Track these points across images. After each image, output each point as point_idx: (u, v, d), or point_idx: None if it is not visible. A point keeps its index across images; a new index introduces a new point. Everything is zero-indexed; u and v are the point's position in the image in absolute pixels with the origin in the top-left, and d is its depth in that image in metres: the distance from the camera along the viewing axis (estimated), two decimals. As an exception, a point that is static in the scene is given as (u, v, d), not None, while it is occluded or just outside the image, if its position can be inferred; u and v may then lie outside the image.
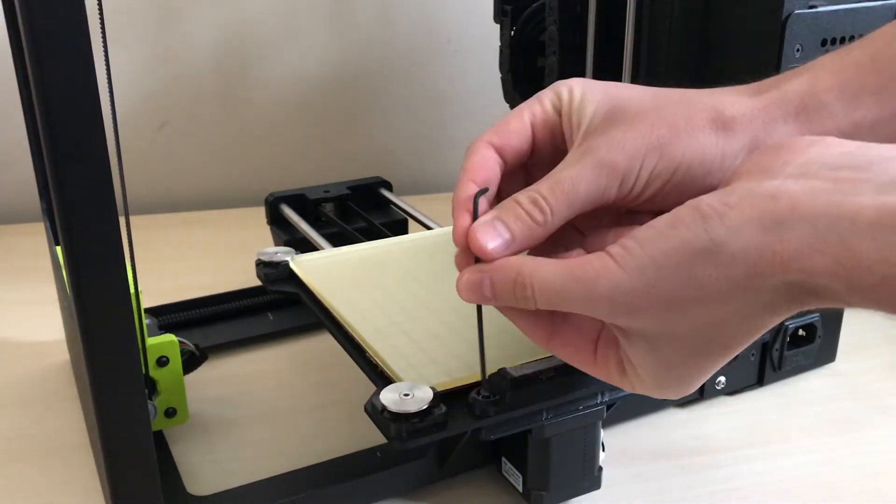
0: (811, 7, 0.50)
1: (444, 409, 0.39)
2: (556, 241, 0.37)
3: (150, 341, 0.48)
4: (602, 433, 0.47)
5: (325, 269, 0.55)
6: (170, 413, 0.51)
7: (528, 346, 0.43)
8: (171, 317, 0.65)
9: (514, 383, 0.41)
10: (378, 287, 0.52)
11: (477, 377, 0.42)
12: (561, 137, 0.38)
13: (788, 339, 0.59)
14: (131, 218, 0.43)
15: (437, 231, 0.63)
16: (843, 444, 0.55)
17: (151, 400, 0.49)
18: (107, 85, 0.38)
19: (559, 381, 0.42)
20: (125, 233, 0.40)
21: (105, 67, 0.38)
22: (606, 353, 0.35)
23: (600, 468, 0.48)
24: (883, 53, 0.35)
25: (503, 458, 0.49)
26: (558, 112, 0.38)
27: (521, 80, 0.71)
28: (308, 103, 1.00)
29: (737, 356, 0.33)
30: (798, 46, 0.50)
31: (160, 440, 0.53)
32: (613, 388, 0.36)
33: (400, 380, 0.42)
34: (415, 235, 0.62)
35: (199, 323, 0.66)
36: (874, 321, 0.68)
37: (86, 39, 0.32)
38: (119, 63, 0.91)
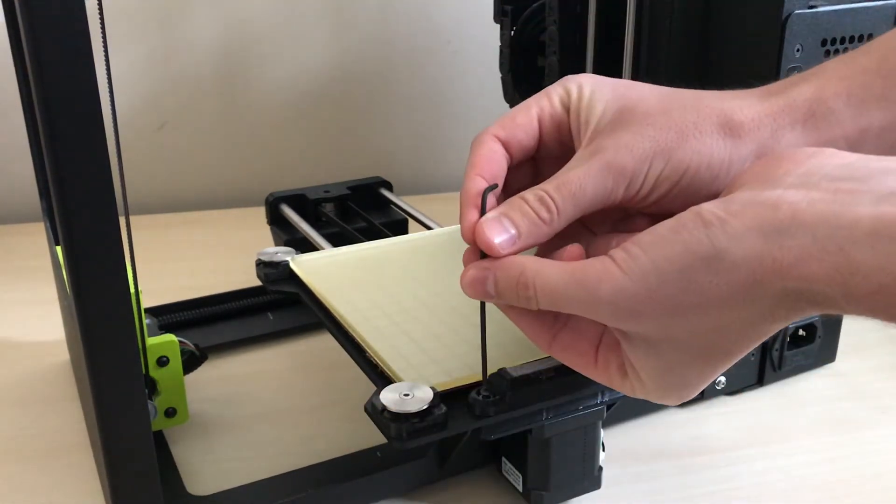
0: (811, 7, 0.50)
1: (444, 409, 0.39)
2: (564, 237, 0.37)
3: (150, 341, 0.48)
4: (602, 433, 0.47)
5: (325, 269, 0.55)
6: (170, 413, 0.51)
7: (528, 346, 0.43)
8: (171, 317, 0.65)
9: (514, 383, 0.41)
10: (378, 287, 0.52)
11: (477, 377, 0.42)
12: (568, 133, 0.38)
13: (788, 339, 0.59)
14: (131, 218, 0.43)
15: (437, 231, 0.63)
16: (843, 444, 0.55)
17: (151, 400, 0.49)
18: (107, 85, 0.38)
19: (559, 381, 0.42)
20: (125, 233, 0.40)
21: (105, 67, 0.38)
22: (608, 358, 0.35)
23: (600, 468, 0.48)
24: (890, 59, 0.35)
25: (503, 458, 0.49)
26: (566, 108, 0.38)
27: (521, 80, 0.71)
28: (308, 103, 1.00)
29: (736, 358, 0.33)
30: (798, 46, 0.50)
31: (160, 440, 0.53)
32: (613, 388, 0.36)
33: (400, 380, 0.42)
34: (415, 235, 0.62)
35: (199, 323, 0.66)
36: (874, 322, 0.68)
37: (86, 39, 0.32)
38: (119, 63, 0.91)
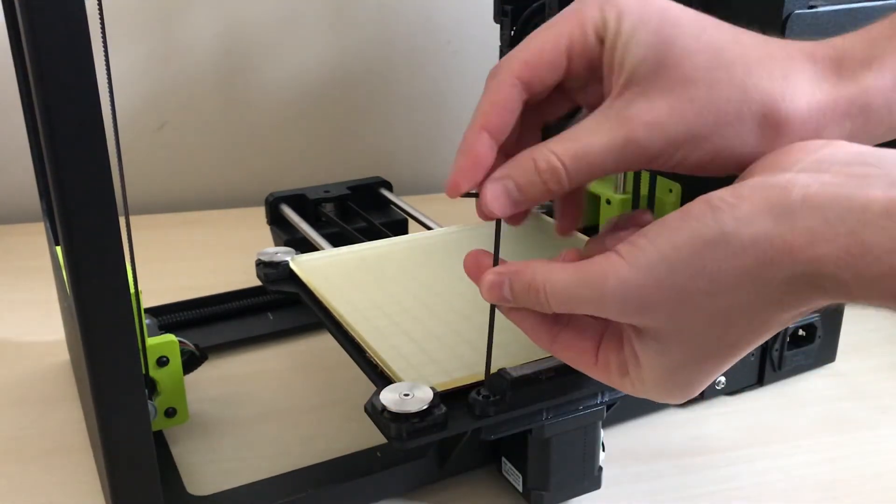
0: (811, 7, 0.50)
1: (444, 409, 0.39)
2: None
3: (150, 341, 0.48)
4: (602, 433, 0.47)
5: (325, 269, 0.55)
6: (170, 413, 0.51)
7: (528, 347, 0.43)
8: (171, 317, 0.65)
9: (514, 383, 0.41)
10: (378, 287, 0.52)
11: (476, 377, 0.42)
12: (599, 64, 0.35)
13: (788, 339, 0.59)
14: (131, 218, 0.43)
15: (437, 231, 0.63)
16: (843, 444, 0.55)
17: (151, 400, 0.49)
18: (107, 85, 0.38)
19: (559, 381, 0.42)
20: (125, 233, 0.40)
21: (105, 67, 0.38)
22: (608, 356, 0.35)
23: (600, 468, 0.48)
24: None
25: (503, 458, 0.49)
26: (601, 40, 0.34)
27: (521, 80, 0.71)
28: (308, 103, 1.00)
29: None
30: (798, 46, 0.50)
31: (160, 440, 0.53)
32: (613, 389, 0.36)
33: (400, 380, 0.42)
34: (415, 235, 0.62)
35: (199, 323, 0.66)
36: (874, 321, 0.68)
37: (86, 39, 0.32)
38: (119, 63, 0.91)
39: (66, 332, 0.61)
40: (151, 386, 0.49)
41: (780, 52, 0.34)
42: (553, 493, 0.47)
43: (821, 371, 0.62)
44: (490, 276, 0.35)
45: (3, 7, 0.54)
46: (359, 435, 0.52)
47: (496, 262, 0.36)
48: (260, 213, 0.72)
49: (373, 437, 0.48)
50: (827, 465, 0.53)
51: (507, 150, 0.36)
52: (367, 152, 1.04)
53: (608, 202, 0.61)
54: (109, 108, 0.37)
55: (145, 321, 0.50)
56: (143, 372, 0.48)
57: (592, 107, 0.37)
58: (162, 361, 0.49)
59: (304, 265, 0.55)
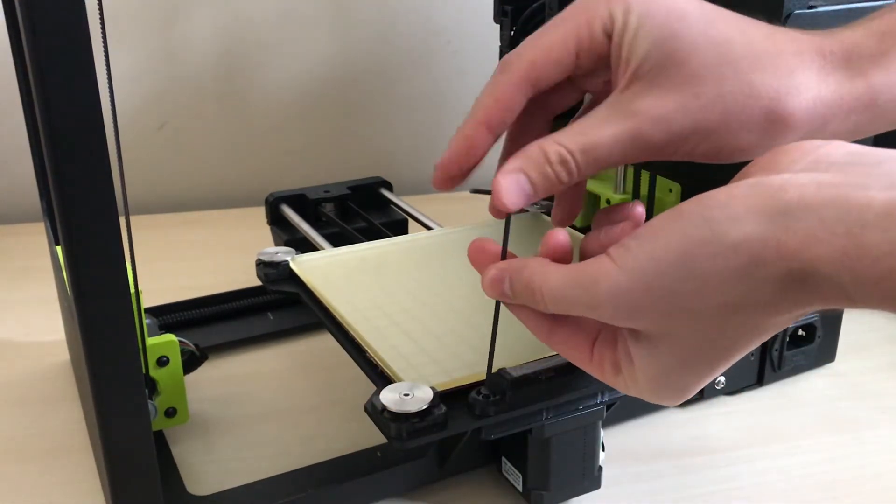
0: (811, 7, 0.50)
1: (444, 409, 0.39)
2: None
3: (150, 341, 0.48)
4: (602, 433, 0.47)
5: (325, 269, 0.55)
6: (170, 413, 0.51)
7: (528, 347, 0.43)
8: (171, 317, 0.65)
9: (514, 383, 0.41)
10: (378, 287, 0.52)
11: (476, 377, 0.42)
12: (607, 59, 0.35)
13: (788, 339, 0.59)
14: (131, 218, 0.43)
15: (437, 231, 0.63)
16: (843, 444, 0.55)
17: (151, 400, 0.49)
18: (107, 85, 0.38)
19: (559, 381, 0.42)
20: (125, 233, 0.40)
21: (105, 67, 0.38)
22: (602, 353, 0.35)
23: (600, 468, 0.48)
24: None
25: (503, 458, 0.49)
26: (608, 36, 0.34)
27: (521, 80, 0.71)
28: (308, 103, 1.00)
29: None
30: (798, 46, 0.50)
31: (160, 440, 0.53)
32: (613, 389, 0.36)
33: (400, 380, 0.42)
34: (415, 235, 0.62)
35: (199, 323, 0.66)
36: (874, 321, 0.69)
37: (86, 39, 0.32)
38: (119, 63, 0.91)
39: (66, 332, 0.61)
40: (151, 386, 0.49)
41: (788, 46, 0.34)
42: (553, 492, 0.47)
43: (820, 371, 0.62)
44: (493, 271, 0.35)
45: (3, 7, 0.54)
46: (359, 435, 0.52)
47: (504, 255, 0.36)
48: (260, 213, 0.72)
49: (373, 437, 0.48)
50: (827, 465, 0.53)
51: (515, 140, 0.37)
52: (367, 152, 1.04)
53: (608, 202, 0.61)
54: (109, 108, 0.37)
55: (145, 321, 0.50)
56: (143, 372, 0.48)
57: (599, 93, 0.37)
58: (162, 361, 0.49)
59: (304, 265, 0.55)
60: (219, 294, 0.68)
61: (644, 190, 0.58)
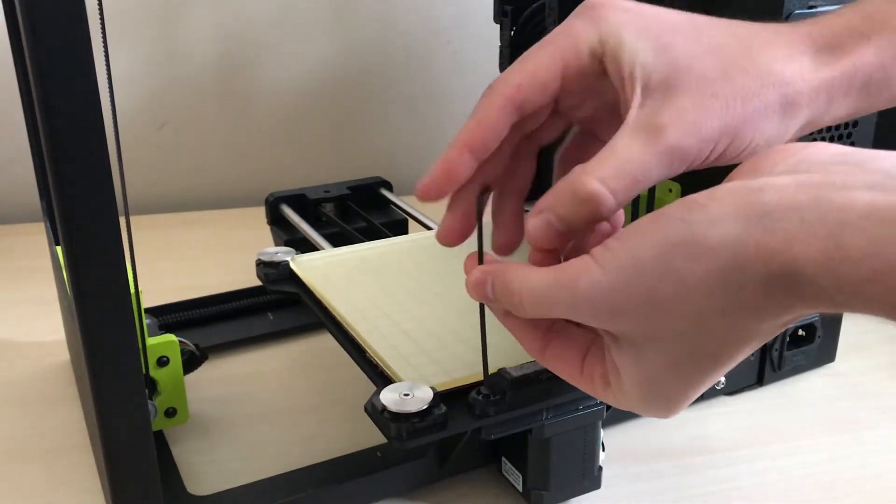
0: (811, 7, 0.50)
1: (444, 409, 0.39)
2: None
3: (150, 341, 0.48)
4: (602, 433, 0.47)
5: (325, 269, 0.55)
6: (170, 413, 0.51)
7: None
8: (171, 317, 0.65)
9: (514, 383, 0.41)
10: (378, 287, 0.52)
11: (477, 377, 0.42)
12: (597, 83, 0.34)
13: (788, 339, 0.59)
14: (131, 218, 0.43)
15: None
16: (843, 444, 0.55)
17: (151, 400, 0.49)
18: (107, 85, 0.38)
19: (559, 381, 0.41)
20: (125, 233, 0.40)
21: (105, 67, 0.38)
22: (592, 367, 0.34)
23: (600, 468, 0.48)
24: None
25: (503, 458, 0.49)
26: (598, 59, 0.34)
27: (521, 80, 0.71)
28: (308, 103, 1.00)
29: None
30: (798, 46, 0.50)
31: (160, 440, 0.53)
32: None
33: (400, 380, 0.42)
34: (415, 235, 0.62)
35: (199, 323, 0.66)
36: (874, 321, 0.68)
37: (86, 39, 0.32)
38: (119, 63, 0.91)
39: (66, 332, 0.61)
40: (151, 386, 0.49)
41: (779, 38, 0.34)
42: (553, 492, 0.47)
43: (820, 371, 0.62)
44: (476, 273, 0.35)
45: (3, 7, 0.54)
46: (359, 435, 0.52)
47: (481, 259, 0.35)
48: (260, 213, 0.72)
49: (373, 437, 0.48)
50: (827, 465, 0.53)
51: (502, 176, 0.37)
52: (367, 152, 1.04)
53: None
54: (109, 108, 0.37)
55: (145, 321, 0.50)
56: (143, 372, 0.48)
57: (585, 123, 0.38)
58: (162, 361, 0.49)
59: (304, 265, 0.55)
60: (219, 294, 0.68)
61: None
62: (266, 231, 0.72)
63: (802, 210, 0.26)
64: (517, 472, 0.48)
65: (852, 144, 0.56)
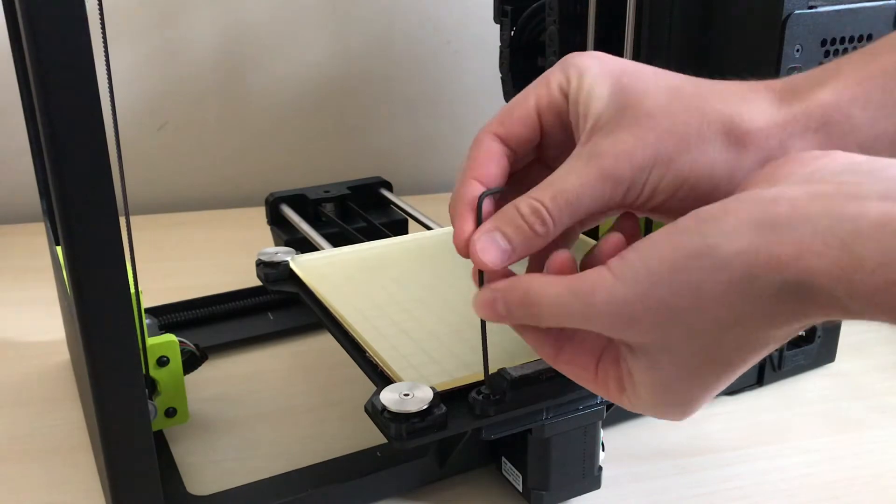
0: (811, 7, 0.50)
1: (444, 409, 0.39)
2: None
3: (150, 341, 0.48)
4: (602, 433, 0.47)
5: (325, 269, 0.55)
6: (170, 413, 0.51)
7: (528, 346, 0.43)
8: (171, 317, 0.65)
9: (514, 383, 0.41)
10: (378, 287, 0.52)
11: (477, 377, 0.42)
12: (569, 120, 0.37)
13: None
14: (131, 218, 0.43)
15: (437, 231, 0.63)
16: (843, 444, 0.55)
17: (151, 400, 0.49)
18: (107, 85, 0.38)
19: (559, 381, 0.42)
20: (125, 233, 0.40)
21: (105, 67, 0.38)
22: (606, 371, 0.34)
23: (600, 468, 0.48)
24: None
25: (503, 458, 0.49)
26: (565, 96, 0.36)
27: (521, 80, 0.71)
28: (308, 103, 1.00)
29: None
30: (798, 46, 0.50)
31: (160, 440, 0.53)
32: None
33: (400, 380, 0.42)
34: (415, 235, 0.62)
35: (199, 323, 0.66)
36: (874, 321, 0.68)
37: (86, 39, 0.32)
38: (119, 63, 0.91)
39: (67, 332, 0.61)
40: (151, 386, 0.49)
41: (735, 86, 0.36)
42: (553, 492, 0.47)
43: (820, 371, 0.62)
44: (483, 293, 0.35)
45: (3, 7, 0.54)
46: (359, 435, 0.52)
47: (482, 281, 0.36)
48: (260, 213, 0.72)
49: (373, 437, 0.48)
50: (827, 465, 0.53)
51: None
52: (367, 152, 1.04)
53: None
54: (109, 108, 0.37)
55: (145, 321, 0.50)
56: (143, 372, 0.48)
57: (552, 162, 0.39)
58: (162, 361, 0.49)
59: (304, 265, 0.55)
60: (219, 294, 0.68)
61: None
62: (266, 231, 0.72)
63: (815, 220, 0.26)
64: (517, 472, 0.48)
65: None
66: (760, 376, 0.60)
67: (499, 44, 0.72)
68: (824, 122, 0.34)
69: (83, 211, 0.34)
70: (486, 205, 0.36)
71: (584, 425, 0.46)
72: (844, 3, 0.51)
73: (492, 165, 0.37)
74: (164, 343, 0.49)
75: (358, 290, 0.52)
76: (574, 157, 0.35)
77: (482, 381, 0.41)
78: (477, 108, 1.03)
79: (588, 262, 0.35)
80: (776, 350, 0.58)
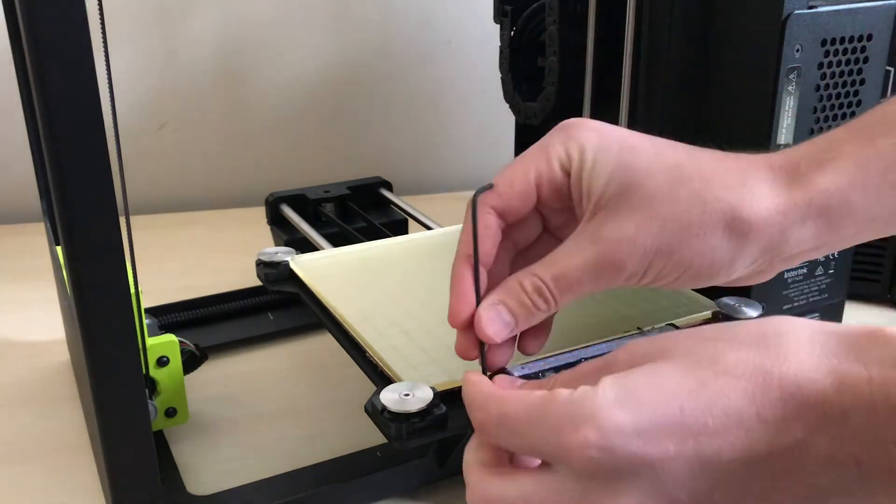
0: (811, 7, 0.50)
1: (444, 408, 0.39)
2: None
3: (150, 341, 0.48)
4: (602, 433, 0.47)
5: (325, 269, 0.55)
6: (170, 413, 0.51)
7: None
8: (171, 317, 0.65)
9: (514, 383, 0.41)
10: (378, 287, 0.52)
11: (477, 377, 0.42)
12: (568, 195, 0.38)
13: (788, 339, 0.59)
14: (131, 218, 0.43)
15: (437, 231, 0.63)
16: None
17: (151, 400, 0.49)
18: (107, 85, 0.38)
19: (559, 381, 0.42)
20: (125, 233, 0.40)
21: (105, 67, 0.38)
22: None
23: (600, 468, 0.48)
24: None
25: (503, 458, 0.49)
26: (566, 172, 0.37)
27: (521, 80, 0.71)
28: (308, 103, 1.00)
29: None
30: (798, 47, 0.50)
31: (160, 440, 0.53)
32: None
33: (400, 380, 0.42)
34: (415, 235, 0.62)
35: (199, 323, 0.66)
36: (874, 321, 0.68)
37: (86, 39, 0.32)
38: (119, 63, 0.91)
39: (66, 332, 0.61)
40: (151, 386, 0.49)
41: (735, 164, 0.36)
42: (553, 493, 0.47)
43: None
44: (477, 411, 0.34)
45: (3, 7, 0.54)
46: (359, 435, 0.52)
47: (476, 260, 0.37)
48: (260, 213, 0.72)
49: (373, 437, 0.48)
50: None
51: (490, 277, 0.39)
52: (367, 152, 1.04)
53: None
54: (109, 108, 0.37)
55: (145, 321, 0.50)
56: (143, 372, 0.48)
57: (558, 231, 0.40)
58: (162, 361, 0.49)
59: (304, 265, 0.55)
60: (219, 294, 0.68)
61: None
62: (266, 231, 0.72)
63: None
64: (517, 472, 0.48)
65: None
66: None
67: (499, 44, 0.72)
68: (825, 208, 0.34)
69: (83, 211, 0.34)
70: (470, 276, 0.37)
71: (584, 425, 0.46)
72: (844, 3, 0.51)
73: (487, 241, 0.37)
74: (164, 343, 0.49)
75: (358, 290, 0.52)
76: (577, 237, 0.36)
77: (482, 381, 0.41)
78: (477, 108, 1.03)
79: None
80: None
